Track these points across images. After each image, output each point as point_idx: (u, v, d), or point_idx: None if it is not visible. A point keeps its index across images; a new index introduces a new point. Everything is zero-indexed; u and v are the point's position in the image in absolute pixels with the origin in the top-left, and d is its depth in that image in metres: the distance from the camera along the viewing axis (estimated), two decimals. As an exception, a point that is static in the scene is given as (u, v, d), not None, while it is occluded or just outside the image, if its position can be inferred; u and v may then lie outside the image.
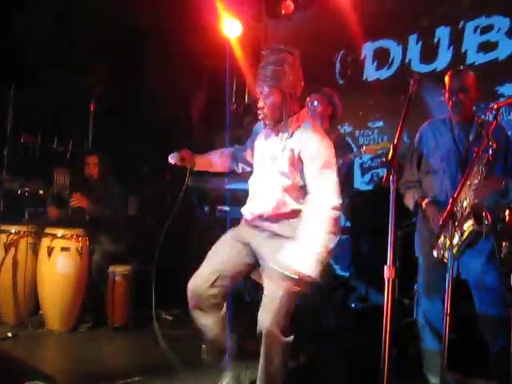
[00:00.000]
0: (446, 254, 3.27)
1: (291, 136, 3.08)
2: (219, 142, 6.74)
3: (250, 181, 3.35)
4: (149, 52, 7.14)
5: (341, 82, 6.80)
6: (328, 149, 3.04)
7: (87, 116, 7.03)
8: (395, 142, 2.47)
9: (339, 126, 6.63)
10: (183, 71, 6.89)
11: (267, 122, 3.16)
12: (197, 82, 7.39)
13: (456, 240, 3.22)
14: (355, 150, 5.01)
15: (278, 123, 3.11)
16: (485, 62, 5.49)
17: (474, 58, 5.57)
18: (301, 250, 2.90)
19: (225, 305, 3.31)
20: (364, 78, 6.58)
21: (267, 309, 3.03)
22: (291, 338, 3.07)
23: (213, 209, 6.21)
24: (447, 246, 3.21)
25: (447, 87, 3.63)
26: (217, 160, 3.58)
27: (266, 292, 3.08)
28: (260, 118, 3.17)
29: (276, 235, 3.15)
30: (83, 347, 4.68)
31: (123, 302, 5.17)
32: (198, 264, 3.32)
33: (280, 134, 3.13)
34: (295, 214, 3.12)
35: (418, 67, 5.91)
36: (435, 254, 3.42)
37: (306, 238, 2.93)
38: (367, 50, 6.57)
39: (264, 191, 3.21)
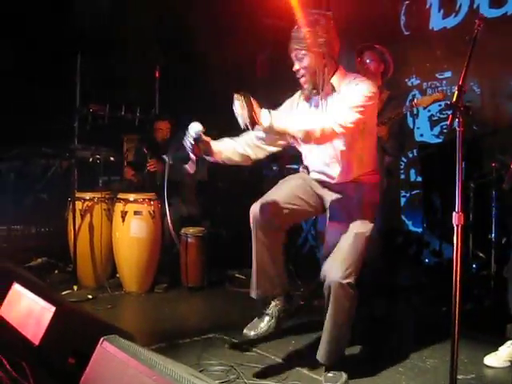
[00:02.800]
0: None
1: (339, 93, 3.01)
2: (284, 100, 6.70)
3: (306, 153, 3.30)
4: (206, 13, 7.10)
5: (406, 33, 6.59)
6: (365, 90, 2.88)
7: (153, 83, 7.10)
8: (460, 83, 2.38)
9: (406, 79, 6.48)
10: (246, 32, 6.84)
11: (306, 86, 3.08)
12: (260, 42, 7.33)
13: None
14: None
15: (316, 87, 3.04)
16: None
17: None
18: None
19: (282, 235, 3.24)
20: (430, 27, 6.36)
21: (336, 258, 2.98)
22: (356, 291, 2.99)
23: (282, 167, 6.22)
24: None
25: None
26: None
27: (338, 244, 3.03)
28: (301, 82, 3.08)
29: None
30: (159, 307, 4.81)
31: (197, 263, 5.27)
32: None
33: (329, 97, 3.05)
34: (363, 175, 3.13)
35: (488, 12, 5.64)
36: None
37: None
38: (433, -3, 6.35)
39: (324, 160, 3.16)
